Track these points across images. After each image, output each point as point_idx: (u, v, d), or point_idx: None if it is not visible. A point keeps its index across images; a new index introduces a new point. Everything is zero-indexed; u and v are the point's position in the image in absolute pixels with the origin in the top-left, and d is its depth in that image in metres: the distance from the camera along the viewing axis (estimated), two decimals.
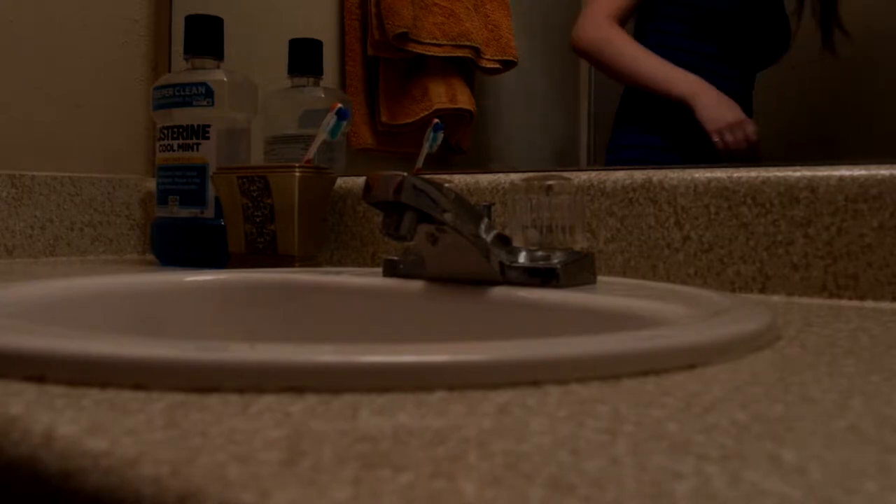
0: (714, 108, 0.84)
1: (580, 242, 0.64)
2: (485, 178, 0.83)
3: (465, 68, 1.18)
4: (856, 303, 0.62)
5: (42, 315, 0.55)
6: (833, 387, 0.34)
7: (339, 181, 0.96)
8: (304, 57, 1.06)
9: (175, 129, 1.00)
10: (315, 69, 1.06)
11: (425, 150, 0.96)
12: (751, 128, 0.82)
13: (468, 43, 1.16)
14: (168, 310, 0.64)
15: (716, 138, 0.82)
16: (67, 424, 0.28)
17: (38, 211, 1.01)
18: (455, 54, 1.15)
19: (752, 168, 0.68)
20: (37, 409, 0.29)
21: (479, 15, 1.18)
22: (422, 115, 1.13)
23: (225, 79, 1.00)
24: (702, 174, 0.70)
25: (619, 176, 0.74)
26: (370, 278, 0.68)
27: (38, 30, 1.15)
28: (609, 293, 0.59)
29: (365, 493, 0.21)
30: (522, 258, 0.63)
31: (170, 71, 1.20)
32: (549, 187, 0.63)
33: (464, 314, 0.62)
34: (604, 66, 0.98)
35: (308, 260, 0.91)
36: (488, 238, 0.62)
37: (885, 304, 0.61)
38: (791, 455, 0.25)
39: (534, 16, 1.26)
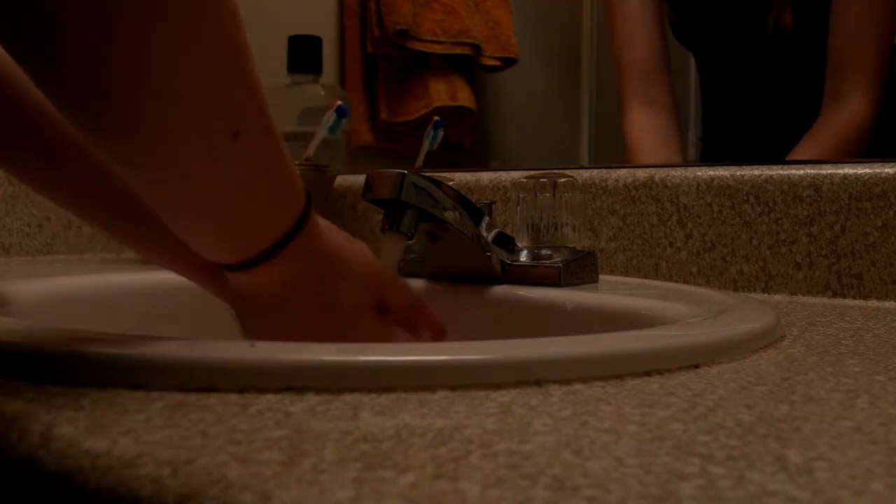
0: None
1: (582, 241, 0.64)
2: (486, 176, 0.82)
3: (466, 66, 1.17)
4: (860, 302, 0.62)
5: (39, 314, 0.54)
6: (838, 386, 0.33)
7: (339, 179, 0.95)
8: (303, 54, 1.05)
9: None
10: (314, 66, 1.05)
11: (425, 147, 0.95)
12: None
13: (468, 40, 1.15)
14: (167, 309, 0.63)
15: None
16: (66, 424, 0.27)
17: (36, 209, 1.01)
18: (455, 51, 1.15)
19: (755, 166, 0.68)
20: (35, 409, 0.29)
21: (479, 12, 1.17)
22: (422, 112, 1.13)
23: None
24: (704, 172, 0.69)
25: (621, 174, 0.74)
26: None
27: None
28: (611, 292, 0.59)
29: (367, 493, 0.21)
30: (524, 257, 0.63)
31: None
32: (555, 185, 0.63)
33: (465, 313, 0.62)
34: None
35: None
36: (489, 236, 0.62)
37: (890, 304, 0.61)
38: (797, 455, 0.24)
39: (534, 13, 1.25)
